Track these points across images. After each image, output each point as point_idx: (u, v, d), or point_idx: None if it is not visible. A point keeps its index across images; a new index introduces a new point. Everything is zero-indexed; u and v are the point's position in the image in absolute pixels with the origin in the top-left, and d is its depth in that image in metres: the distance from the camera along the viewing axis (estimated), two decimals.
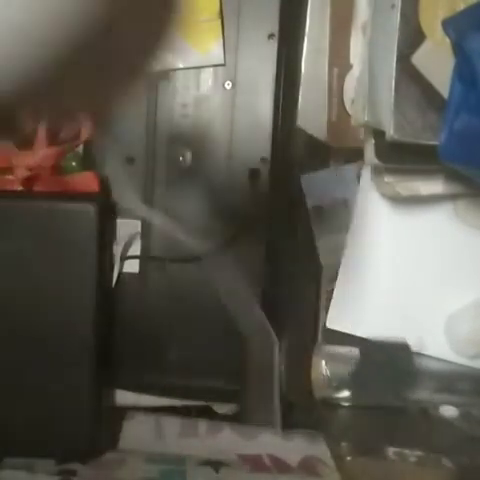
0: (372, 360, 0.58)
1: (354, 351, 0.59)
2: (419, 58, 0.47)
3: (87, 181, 0.60)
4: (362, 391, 0.58)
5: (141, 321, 0.61)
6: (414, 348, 0.58)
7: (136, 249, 0.61)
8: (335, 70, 0.57)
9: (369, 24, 0.52)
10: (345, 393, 0.59)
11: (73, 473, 0.54)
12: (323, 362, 0.59)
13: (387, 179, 0.53)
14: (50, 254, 0.57)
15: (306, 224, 0.61)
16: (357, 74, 0.56)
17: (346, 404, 0.59)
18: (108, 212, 0.60)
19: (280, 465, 0.60)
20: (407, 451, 0.55)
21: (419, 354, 0.58)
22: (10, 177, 0.60)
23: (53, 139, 0.61)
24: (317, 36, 0.57)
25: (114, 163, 0.61)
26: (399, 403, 0.59)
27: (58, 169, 0.61)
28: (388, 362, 0.58)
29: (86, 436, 0.57)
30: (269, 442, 0.62)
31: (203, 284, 0.61)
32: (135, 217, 0.61)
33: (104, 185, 0.60)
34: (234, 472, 0.57)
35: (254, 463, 0.59)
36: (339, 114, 0.57)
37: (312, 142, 0.60)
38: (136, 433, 0.62)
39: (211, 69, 0.60)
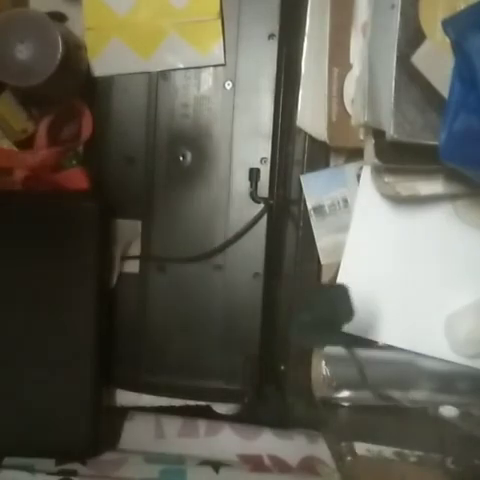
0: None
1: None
2: (419, 58, 0.47)
3: (76, 178, 0.60)
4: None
5: (141, 321, 0.61)
6: (414, 348, 0.58)
7: (136, 249, 0.61)
8: (335, 70, 0.57)
9: (369, 24, 0.52)
10: (345, 393, 0.59)
11: (73, 473, 0.54)
12: (323, 362, 0.59)
13: (387, 179, 0.53)
14: (50, 254, 0.57)
15: (306, 224, 0.61)
16: (357, 74, 0.56)
17: (346, 404, 0.59)
18: (108, 212, 0.60)
19: (280, 465, 0.60)
20: (407, 451, 0.55)
21: (419, 354, 0.58)
22: (10, 177, 0.60)
23: (53, 139, 0.61)
24: (317, 36, 0.57)
25: (114, 163, 0.61)
26: (399, 403, 0.59)
27: (58, 169, 0.61)
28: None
29: (86, 436, 0.57)
30: (269, 442, 0.62)
31: (203, 284, 0.61)
32: (135, 217, 0.61)
33: (100, 184, 0.60)
34: (234, 472, 0.57)
35: (254, 463, 0.59)
36: (339, 114, 0.57)
37: (312, 142, 0.60)
38: (136, 433, 0.62)
39: (211, 69, 0.60)
